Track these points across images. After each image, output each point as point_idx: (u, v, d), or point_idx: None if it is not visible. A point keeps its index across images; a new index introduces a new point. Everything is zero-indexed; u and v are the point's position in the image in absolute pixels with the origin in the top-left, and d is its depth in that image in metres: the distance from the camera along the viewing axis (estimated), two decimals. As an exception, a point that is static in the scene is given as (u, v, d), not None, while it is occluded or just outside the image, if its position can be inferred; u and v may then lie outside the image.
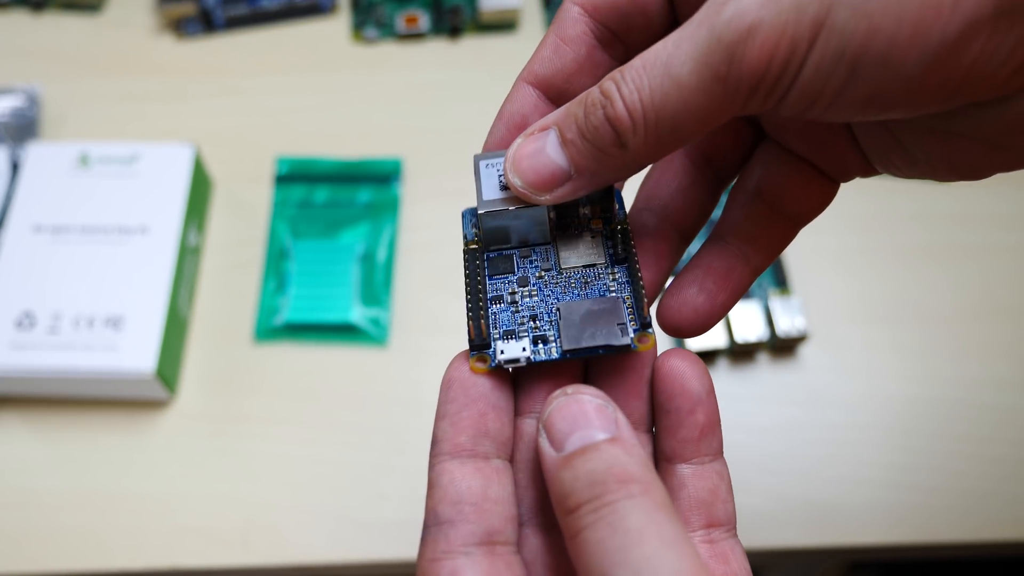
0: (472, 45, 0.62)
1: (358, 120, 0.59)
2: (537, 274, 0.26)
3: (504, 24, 0.62)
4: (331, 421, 0.50)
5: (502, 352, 0.25)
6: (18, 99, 0.58)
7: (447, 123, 0.59)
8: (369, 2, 0.63)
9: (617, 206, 0.27)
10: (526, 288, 0.26)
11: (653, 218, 0.28)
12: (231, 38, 0.63)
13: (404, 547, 0.46)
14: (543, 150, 0.24)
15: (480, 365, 0.25)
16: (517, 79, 0.27)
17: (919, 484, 0.48)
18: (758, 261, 0.27)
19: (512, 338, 0.25)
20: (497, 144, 0.27)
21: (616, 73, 0.23)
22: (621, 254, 0.26)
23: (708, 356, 0.51)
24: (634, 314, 0.25)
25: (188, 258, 0.52)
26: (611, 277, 0.26)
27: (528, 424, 0.25)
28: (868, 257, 0.54)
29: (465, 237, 0.27)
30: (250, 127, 0.59)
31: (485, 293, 0.26)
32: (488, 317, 0.25)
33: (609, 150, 0.23)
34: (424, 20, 0.62)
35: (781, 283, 0.52)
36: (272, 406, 0.50)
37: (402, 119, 0.59)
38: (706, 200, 0.29)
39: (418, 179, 0.57)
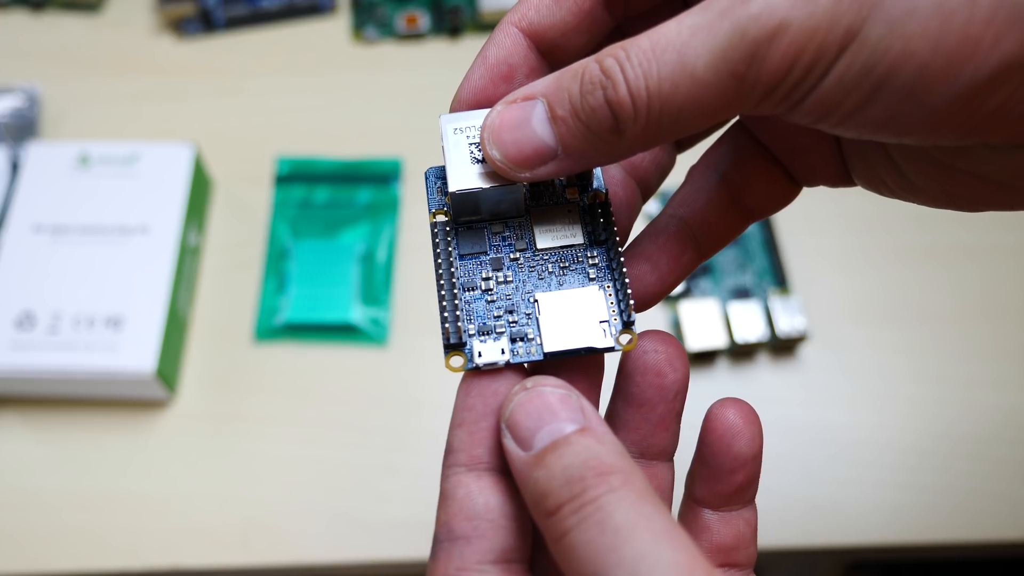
0: (472, 45, 0.62)
1: (358, 120, 0.59)
2: (511, 255, 0.25)
3: (504, 24, 0.62)
4: (331, 421, 0.50)
5: (480, 354, 0.23)
6: (18, 99, 0.58)
7: (447, 123, 0.59)
8: (369, 2, 0.63)
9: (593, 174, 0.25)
10: (500, 273, 0.24)
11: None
12: (231, 38, 0.63)
13: (404, 547, 0.46)
14: (528, 123, 0.22)
15: (456, 363, 0.23)
16: (504, 21, 0.24)
17: (919, 484, 0.48)
18: (706, 249, 0.26)
19: (488, 336, 0.24)
20: (474, 91, 0.24)
21: (619, 50, 0.21)
22: (600, 235, 0.24)
23: (708, 356, 0.51)
24: (616, 308, 0.24)
25: (188, 258, 0.52)
26: (590, 261, 0.24)
27: None
28: (869, 257, 0.54)
29: (430, 206, 0.25)
30: (250, 127, 0.59)
31: (456, 280, 0.24)
32: (462, 310, 0.24)
33: (604, 135, 0.21)
34: (424, 20, 0.62)
35: (781, 283, 0.52)
36: (272, 406, 0.50)
37: (402, 119, 0.59)
38: (668, 156, 0.28)
39: (418, 179, 0.57)
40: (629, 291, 0.24)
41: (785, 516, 0.47)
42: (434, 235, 0.25)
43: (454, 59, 0.61)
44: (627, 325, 0.23)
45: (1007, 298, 0.53)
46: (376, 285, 0.53)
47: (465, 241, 0.25)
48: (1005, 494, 0.47)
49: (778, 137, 0.26)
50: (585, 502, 0.19)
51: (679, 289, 0.52)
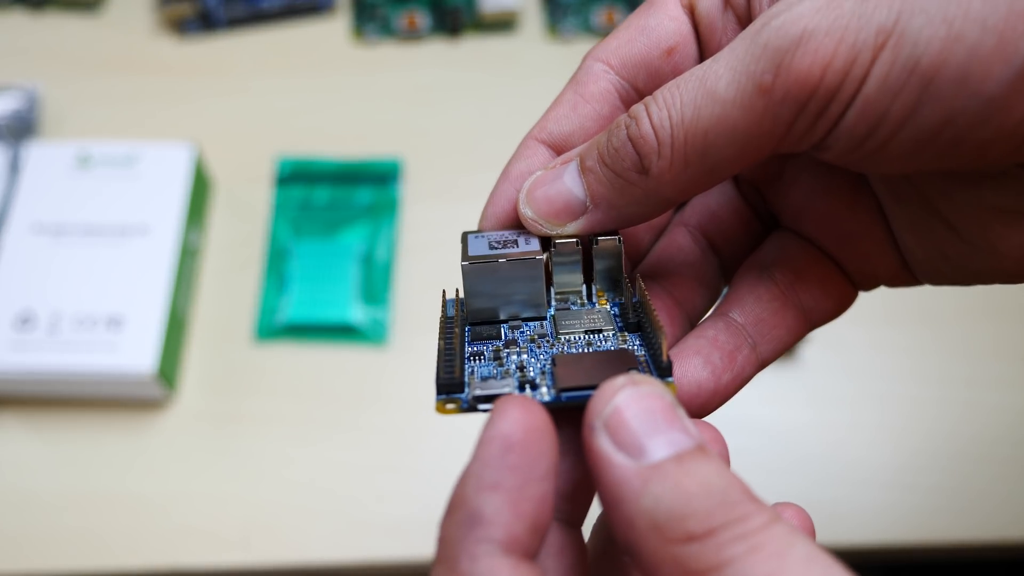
0: (472, 45, 0.62)
1: (358, 120, 0.59)
2: (528, 337, 0.22)
3: (504, 24, 0.62)
4: (331, 421, 0.50)
5: (478, 389, 0.20)
6: (18, 99, 0.58)
7: (447, 123, 0.59)
8: (369, 2, 0.63)
9: (626, 278, 0.23)
10: (513, 348, 0.22)
11: (656, 287, 0.25)
12: (231, 38, 0.63)
13: (404, 547, 0.46)
14: (559, 178, 0.22)
15: (450, 407, 0.20)
16: (527, 137, 0.24)
17: (920, 484, 0.48)
18: (765, 350, 0.24)
19: (491, 379, 0.21)
20: (501, 204, 0.24)
21: (648, 97, 0.21)
22: (632, 320, 0.22)
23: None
24: (649, 365, 0.21)
25: (188, 258, 0.52)
26: (621, 339, 0.22)
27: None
28: (868, 257, 0.54)
29: (445, 311, 0.23)
30: (250, 127, 0.59)
31: (462, 345, 0.22)
32: (463, 358, 0.22)
33: (628, 175, 0.21)
34: (424, 20, 0.62)
35: (781, 283, 0.52)
36: (272, 406, 0.50)
37: (402, 119, 0.59)
38: (714, 283, 0.26)
39: (418, 179, 0.57)
40: (666, 345, 0.20)
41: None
42: (442, 328, 0.23)
43: (454, 59, 0.62)
44: (663, 373, 0.20)
45: (1008, 297, 0.53)
46: (376, 285, 0.53)
47: (477, 332, 0.23)
48: (1006, 494, 0.47)
49: (822, 226, 0.24)
50: (753, 528, 0.16)
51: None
